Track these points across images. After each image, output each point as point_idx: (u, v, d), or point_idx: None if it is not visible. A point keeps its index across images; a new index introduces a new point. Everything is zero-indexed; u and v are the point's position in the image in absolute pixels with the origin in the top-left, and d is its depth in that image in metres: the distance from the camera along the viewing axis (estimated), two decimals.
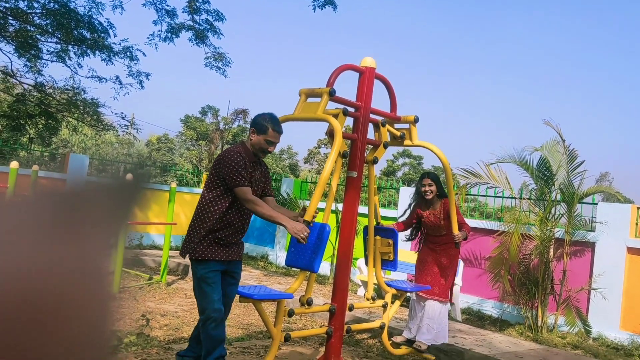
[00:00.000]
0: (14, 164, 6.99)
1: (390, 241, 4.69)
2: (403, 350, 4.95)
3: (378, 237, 4.71)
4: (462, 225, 4.92)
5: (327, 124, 4.02)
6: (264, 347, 5.07)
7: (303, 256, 3.88)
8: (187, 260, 9.68)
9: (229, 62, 13.19)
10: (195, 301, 3.69)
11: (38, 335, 0.31)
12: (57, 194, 0.36)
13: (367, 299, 4.62)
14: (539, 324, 6.93)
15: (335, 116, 3.89)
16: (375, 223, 4.71)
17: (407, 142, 4.76)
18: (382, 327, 4.64)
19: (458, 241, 4.87)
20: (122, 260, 7.07)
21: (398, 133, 4.71)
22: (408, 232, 5.45)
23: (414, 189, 7.98)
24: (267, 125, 3.55)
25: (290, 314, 3.83)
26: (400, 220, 5.50)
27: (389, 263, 4.72)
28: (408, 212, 5.38)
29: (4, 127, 16.81)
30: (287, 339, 3.78)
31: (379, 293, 5.84)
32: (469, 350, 5.34)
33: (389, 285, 4.74)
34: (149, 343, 4.74)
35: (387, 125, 4.59)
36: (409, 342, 5.01)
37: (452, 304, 7.53)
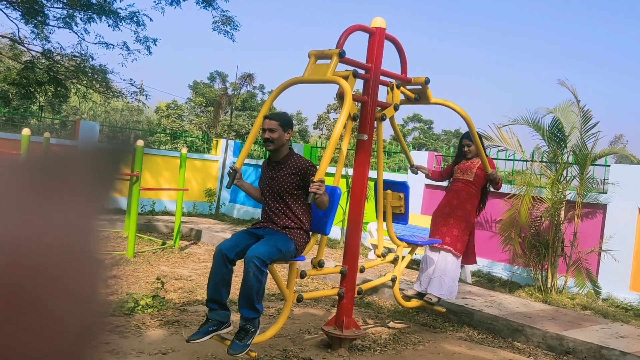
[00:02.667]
0: (25, 131, 7.03)
1: (402, 195, 4.68)
2: (414, 303, 5.00)
3: (389, 191, 4.72)
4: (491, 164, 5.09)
5: (337, 87, 3.98)
6: (277, 310, 5.17)
7: (315, 220, 3.94)
8: (199, 226, 9.83)
9: (237, 26, 13.03)
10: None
11: (20, 310, 0.30)
12: (40, 159, 0.34)
13: (378, 256, 4.66)
14: (549, 285, 6.98)
15: (345, 78, 3.84)
16: (410, 163, 5.10)
17: (423, 101, 4.71)
18: (393, 280, 4.69)
19: (493, 177, 4.98)
20: (136, 225, 7.17)
21: (412, 95, 4.66)
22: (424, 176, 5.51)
23: (426, 153, 8.20)
24: None
25: (303, 275, 3.88)
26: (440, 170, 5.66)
27: (400, 217, 4.73)
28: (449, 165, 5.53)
29: (14, 95, 16.82)
30: (299, 299, 3.84)
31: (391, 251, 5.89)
32: (479, 310, 5.40)
33: (400, 239, 4.76)
34: (165, 305, 4.85)
35: (402, 87, 4.54)
36: (420, 296, 5.04)
37: (462, 266, 7.59)
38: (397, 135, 4.95)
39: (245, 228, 3.98)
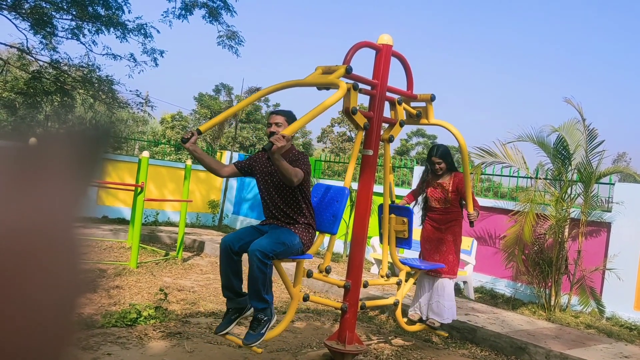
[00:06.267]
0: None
1: (405, 219, 4.69)
2: (417, 327, 4.99)
3: (393, 216, 4.72)
4: (474, 202, 4.91)
5: (342, 104, 4.00)
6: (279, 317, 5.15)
7: (323, 220, 4.03)
8: (202, 238, 9.83)
9: (242, 41, 13.12)
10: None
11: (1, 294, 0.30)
12: (15, 148, 0.34)
13: (382, 276, 4.65)
14: (552, 303, 6.94)
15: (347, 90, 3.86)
16: (390, 201, 4.72)
17: (423, 120, 4.73)
18: (395, 304, 4.68)
19: (473, 220, 4.85)
20: (139, 236, 7.18)
21: (414, 111, 4.68)
22: (419, 216, 5.33)
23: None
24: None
25: (309, 274, 3.88)
26: (411, 191, 5.46)
27: (404, 241, 4.74)
28: (419, 183, 5.29)
29: (20, 105, 16.95)
30: (305, 299, 3.84)
31: (393, 271, 5.88)
32: (482, 327, 5.38)
33: (403, 263, 4.76)
34: (167, 316, 4.84)
35: (404, 104, 4.56)
36: (422, 319, 5.04)
37: (464, 282, 7.56)
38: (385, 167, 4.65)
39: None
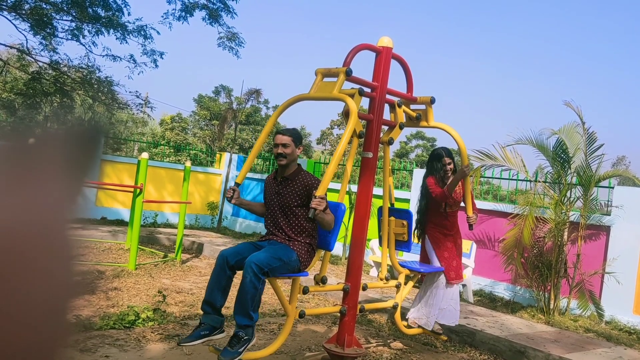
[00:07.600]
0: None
1: (405, 222, 4.68)
2: (415, 330, 4.97)
3: (392, 218, 4.71)
4: (472, 205, 4.89)
5: (342, 104, 4.00)
6: (278, 325, 5.14)
7: (319, 236, 3.95)
8: (201, 239, 9.81)
9: (242, 43, 13.12)
10: None
11: None
12: (8, 147, 0.34)
13: (381, 279, 4.64)
14: (551, 306, 6.93)
15: (351, 96, 3.87)
16: (389, 204, 4.70)
17: (423, 123, 4.73)
18: (395, 307, 4.67)
19: (472, 223, 4.83)
20: (138, 237, 7.16)
21: (414, 114, 4.68)
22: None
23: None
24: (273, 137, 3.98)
25: (305, 291, 3.87)
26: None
27: (403, 244, 4.72)
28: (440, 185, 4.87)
29: (19, 105, 16.93)
30: (301, 315, 3.82)
31: (392, 273, 5.87)
32: (481, 331, 5.37)
33: (402, 265, 4.75)
34: (165, 319, 4.82)
35: (403, 106, 4.56)
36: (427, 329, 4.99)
37: (463, 285, 7.55)
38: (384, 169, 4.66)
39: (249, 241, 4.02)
